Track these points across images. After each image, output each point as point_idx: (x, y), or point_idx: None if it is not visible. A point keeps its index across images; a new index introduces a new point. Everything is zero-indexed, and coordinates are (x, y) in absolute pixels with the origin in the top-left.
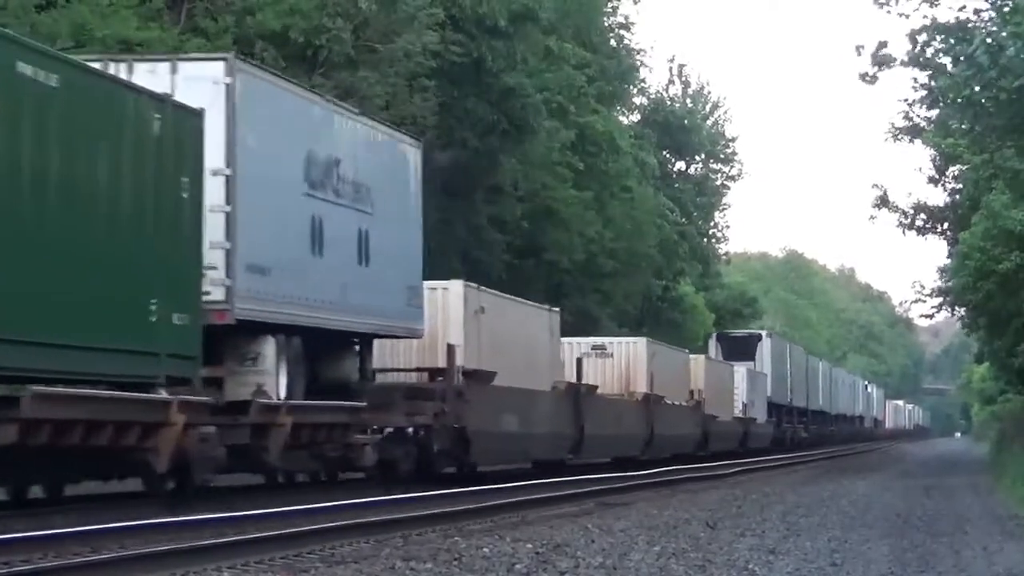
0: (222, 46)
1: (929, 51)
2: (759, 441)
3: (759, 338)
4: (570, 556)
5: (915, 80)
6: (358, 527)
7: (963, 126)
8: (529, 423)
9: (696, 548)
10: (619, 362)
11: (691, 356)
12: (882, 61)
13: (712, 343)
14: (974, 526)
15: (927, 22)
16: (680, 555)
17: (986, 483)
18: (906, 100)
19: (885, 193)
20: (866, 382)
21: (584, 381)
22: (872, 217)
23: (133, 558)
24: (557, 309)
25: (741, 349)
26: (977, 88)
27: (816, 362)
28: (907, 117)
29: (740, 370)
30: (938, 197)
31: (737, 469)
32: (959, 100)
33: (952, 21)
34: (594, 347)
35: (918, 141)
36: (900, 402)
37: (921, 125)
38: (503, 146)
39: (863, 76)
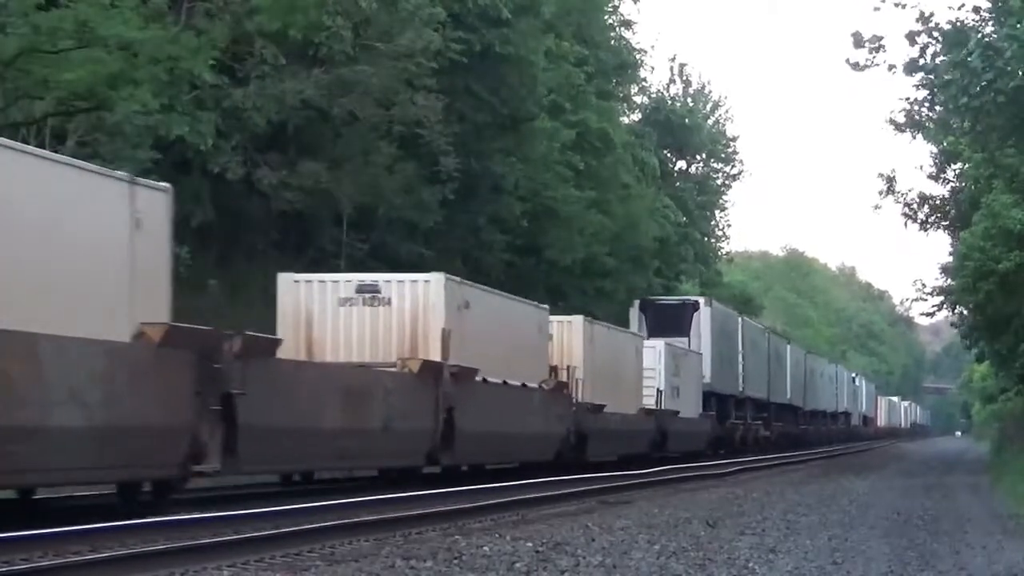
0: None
1: (928, 53)
2: (687, 442)
3: (695, 307)
4: (570, 555)
5: (918, 81)
6: (358, 526)
7: (964, 125)
8: (18, 407)
9: (696, 547)
10: (400, 313)
11: (561, 318)
12: (859, 42)
13: (634, 313)
14: (974, 525)
15: (925, 14)
16: (680, 554)
17: (986, 482)
18: (907, 99)
19: (892, 178)
20: (854, 374)
21: (328, 337)
22: (877, 206)
23: (133, 557)
24: (166, 186)
25: (671, 321)
26: (977, 89)
27: (784, 346)
28: (908, 116)
29: (655, 345)
30: (942, 190)
31: (737, 468)
32: (960, 107)
33: (949, 22)
34: (361, 287)
35: (920, 136)
36: (895, 398)
37: (923, 120)
38: (502, 138)
39: (852, 64)
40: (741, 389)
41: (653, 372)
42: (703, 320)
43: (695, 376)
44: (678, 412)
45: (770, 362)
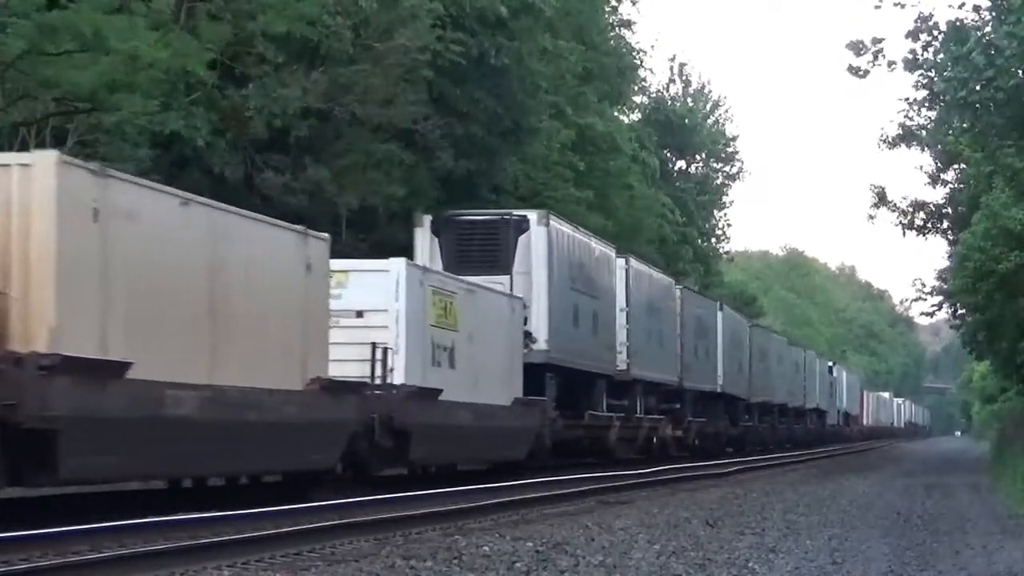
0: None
1: (929, 52)
2: (474, 446)
3: (520, 226)
4: (570, 554)
5: (917, 81)
6: (358, 526)
7: (963, 125)
8: None
9: (696, 547)
10: None
11: None
12: (861, 50)
13: (421, 235)
14: (974, 525)
15: (924, 14)
16: (680, 553)
17: (986, 482)
18: (907, 99)
19: (883, 191)
20: (831, 363)
21: None
22: (871, 217)
23: (132, 557)
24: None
25: (481, 248)
26: (977, 88)
27: (712, 312)
28: (902, 125)
29: (388, 268)
30: (937, 196)
31: (737, 468)
32: (958, 100)
33: (950, 21)
34: None
35: (915, 145)
36: (885, 394)
37: (919, 127)
38: (505, 146)
39: (853, 70)
40: (623, 367)
41: (380, 316)
42: (536, 248)
43: (506, 335)
44: (440, 391)
45: (685, 332)
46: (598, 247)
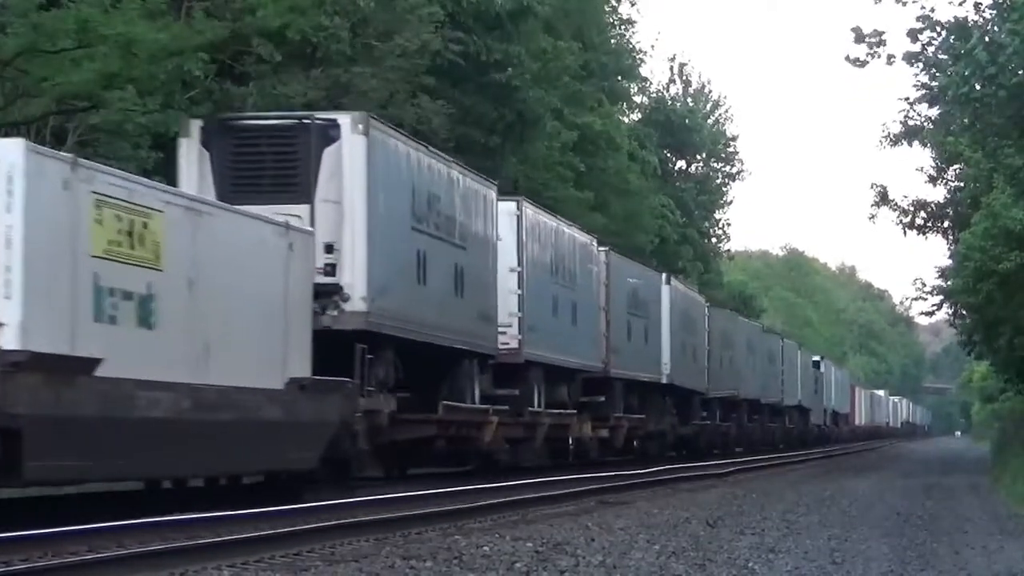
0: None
1: (930, 50)
2: (210, 451)
3: (327, 135)
4: (570, 555)
5: (916, 77)
6: (358, 526)
7: (964, 121)
8: None
9: (696, 547)
10: None
11: None
12: (860, 38)
13: (187, 147)
14: (974, 525)
15: (925, 12)
16: (680, 554)
17: (986, 482)
18: (906, 99)
19: (884, 190)
20: (817, 357)
21: None
22: (872, 216)
23: (132, 557)
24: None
25: (273, 167)
26: (978, 86)
27: (657, 285)
28: (903, 122)
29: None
30: (938, 195)
31: (736, 468)
32: (960, 97)
33: (951, 19)
34: None
35: (916, 143)
36: (880, 392)
37: (920, 125)
38: (507, 144)
39: (852, 60)
40: (512, 344)
41: None
42: (351, 165)
43: (275, 284)
44: (97, 363)
45: (613, 306)
46: (463, 177)
